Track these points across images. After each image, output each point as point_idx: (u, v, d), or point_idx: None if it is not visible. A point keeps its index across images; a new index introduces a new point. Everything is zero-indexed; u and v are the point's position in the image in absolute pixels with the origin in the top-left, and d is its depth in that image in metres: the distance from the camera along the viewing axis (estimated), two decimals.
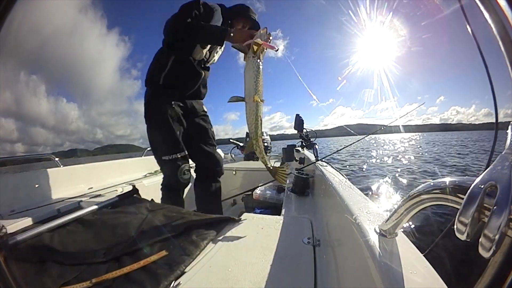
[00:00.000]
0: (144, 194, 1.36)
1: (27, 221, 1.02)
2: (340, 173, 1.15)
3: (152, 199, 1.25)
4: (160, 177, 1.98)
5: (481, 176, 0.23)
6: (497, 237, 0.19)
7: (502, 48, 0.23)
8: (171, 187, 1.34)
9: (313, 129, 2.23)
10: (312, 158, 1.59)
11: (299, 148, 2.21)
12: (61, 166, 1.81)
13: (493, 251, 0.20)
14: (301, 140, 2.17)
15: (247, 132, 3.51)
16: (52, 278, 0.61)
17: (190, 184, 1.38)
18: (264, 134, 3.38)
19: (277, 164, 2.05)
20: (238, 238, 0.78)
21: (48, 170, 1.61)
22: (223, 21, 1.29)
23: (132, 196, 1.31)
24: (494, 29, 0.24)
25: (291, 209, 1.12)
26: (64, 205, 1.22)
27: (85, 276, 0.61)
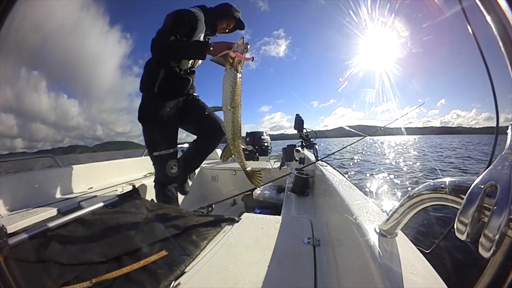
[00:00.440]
0: (144, 194, 1.36)
1: (27, 221, 1.02)
2: (340, 173, 1.15)
3: (152, 199, 1.25)
4: None
5: (481, 176, 0.23)
6: (497, 237, 0.19)
7: (503, 50, 0.23)
8: (162, 182, 1.41)
9: (313, 130, 2.23)
10: (312, 158, 1.59)
11: (299, 148, 2.21)
12: (61, 166, 1.81)
13: (493, 251, 0.20)
14: (301, 140, 2.17)
15: (247, 132, 3.52)
16: (52, 278, 0.61)
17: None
18: (264, 134, 3.38)
19: (277, 165, 2.04)
20: (238, 238, 0.78)
21: (48, 170, 1.61)
22: (207, 25, 1.37)
23: (132, 196, 1.32)
24: (495, 32, 0.24)
25: (291, 209, 1.12)
26: (64, 205, 1.22)
27: (85, 276, 0.62)
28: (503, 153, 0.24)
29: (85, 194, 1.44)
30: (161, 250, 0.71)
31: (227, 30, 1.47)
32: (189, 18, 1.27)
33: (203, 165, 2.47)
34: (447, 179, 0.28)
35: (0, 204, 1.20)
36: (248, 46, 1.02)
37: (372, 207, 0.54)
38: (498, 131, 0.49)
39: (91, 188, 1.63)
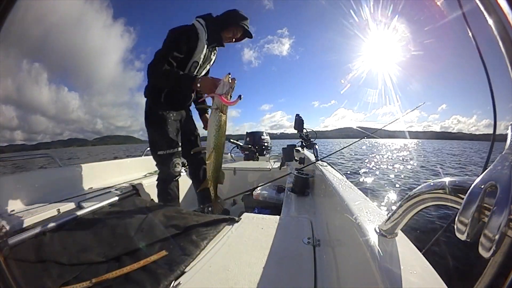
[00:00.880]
0: (144, 194, 1.36)
1: (27, 221, 1.02)
2: (340, 173, 1.15)
3: (152, 199, 1.25)
4: None
5: (481, 176, 0.23)
6: (497, 237, 0.19)
7: (502, 48, 0.23)
8: (165, 180, 1.43)
9: (314, 130, 2.23)
10: (312, 158, 1.59)
11: (299, 148, 2.21)
12: (61, 166, 1.80)
13: (493, 251, 0.20)
14: (301, 140, 2.17)
15: (247, 132, 3.52)
16: (52, 278, 0.61)
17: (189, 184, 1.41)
18: (264, 134, 3.38)
19: (277, 165, 2.03)
20: (238, 238, 0.78)
21: (48, 170, 1.61)
22: (212, 37, 1.35)
23: (132, 196, 1.32)
24: (497, 37, 0.23)
25: (291, 209, 1.12)
26: (64, 205, 1.22)
27: (85, 276, 0.62)
28: (503, 153, 0.24)
29: (85, 194, 1.44)
30: (161, 250, 0.71)
31: (234, 40, 1.44)
32: (188, 37, 1.27)
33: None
34: (447, 179, 0.28)
35: (0, 204, 1.19)
36: (235, 83, 1.03)
37: (372, 207, 0.54)
38: (495, 131, 0.49)
39: (91, 188, 1.63)
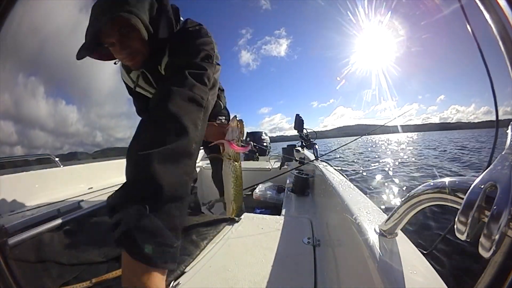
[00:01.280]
0: None
1: (27, 221, 1.02)
2: (340, 173, 1.15)
3: None
4: None
5: (481, 176, 0.23)
6: (497, 237, 0.19)
7: (502, 47, 0.23)
8: None
9: (313, 130, 2.24)
10: (312, 158, 1.59)
11: (299, 148, 2.21)
12: (61, 166, 1.81)
13: (493, 251, 0.20)
14: (301, 140, 2.17)
15: (247, 132, 3.52)
16: (52, 278, 0.61)
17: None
18: (264, 134, 3.39)
19: (277, 165, 2.04)
20: (238, 238, 0.78)
21: (48, 170, 1.61)
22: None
23: None
24: (494, 28, 0.24)
25: (291, 209, 1.12)
26: (64, 205, 1.22)
27: (85, 276, 0.61)
28: (503, 153, 0.24)
29: (85, 194, 1.44)
30: None
31: (138, 58, 0.75)
32: (126, 87, 1.04)
33: (203, 165, 2.47)
34: (447, 179, 0.28)
35: (0, 204, 1.20)
36: (243, 125, 0.93)
37: (372, 207, 0.54)
38: (497, 131, 0.49)
39: (91, 188, 1.63)
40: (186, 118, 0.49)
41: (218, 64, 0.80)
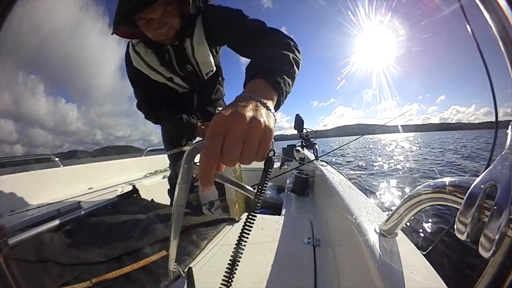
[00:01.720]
0: (144, 194, 1.36)
1: (27, 221, 1.02)
2: (340, 173, 1.15)
3: (152, 199, 1.25)
4: (160, 177, 1.98)
5: (481, 176, 0.23)
6: (497, 237, 0.19)
7: (502, 47, 0.23)
8: (174, 185, 1.32)
9: (313, 129, 2.24)
10: (312, 158, 1.60)
11: (299, 148, 2.21)
12: (61, 166, 1.81)
13: (493, 251, 0.20)
14: (301, 140, 2.17)
15: None
16: (52, 278, 0.61)
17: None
18: None
19: (277, 165, 2.04)
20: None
21: (48, 170, 1.61)
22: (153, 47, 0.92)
23: (132, 196, 1.32)
24: (494, 28, 0.24)
25: (291, 209, 1.12)
26: (64, 205, 1.22)
27: (85, 276, 0.62)
28: (503, 153, 0.24)
29: (85, 194, 1.44)
30: (161, 250, 0.71)
31: (170, 33, 0.81)
32: (128, 73, 1.03)
33: None
34: (447, 179, 0.28)
35: (0, 204, 1.20)
36: None
37: (372, 207, 0.54)
38: (497, 132, 0.49)
39: (91, 188, 1.63)
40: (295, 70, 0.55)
41: None
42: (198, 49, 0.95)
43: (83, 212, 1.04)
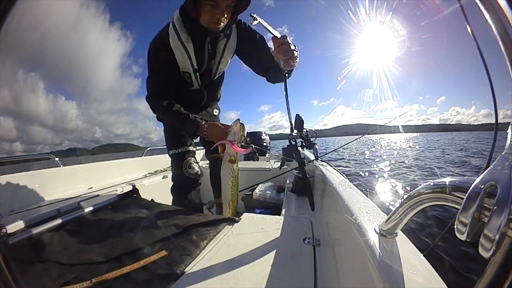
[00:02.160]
0: (144, 194, 1.36)
1: (27, 221, 1.02)
2: (340, 173, 1.15)
3: (152, 199, 1.25)
4: (160, 177, 1.98)
5: (481, 176, 0.23)
6: (497, 237, 0.19)
7: (502, 48, 0.23)
8: (180, 187, 1.31)
9: (313, 129, 2.24)
10: (312, 158, 1.59)
11: (299, 148, 2.21)
12: (61, 166, 1.81)
13: (493, 251, 0.20)
14: (301, 140, 2.17)
15: (247, 132, 3.51)
16: (52, 278, 0.61)
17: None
18: (264, 134, 3.38)
19: (277, 165, 2.04)
20: (238, 238, 0.78)
21: (48, 170, 1.61)
22: (191, 29, 1.01)
23: (132, 196, 1.32)
24: (494, 29, 0.24)
25: (291, 209, 1.12)
26: (64, 205, 1.22)
27: (85, 276, 0.61)
28: (503, 153, 0.24)
29: (85, 194, 1.44)
30: (161, 250, 0.71)
31: (225, 16, 0.93)
32: (162, 56, 1.06)
33: (203, 165, 2.47)
34: (447, 179, 0.28)
35: (0, 204, 1.20)
36: (245, 130, 0.97)
37: (372, 207, 0.54)
38: (497, 132, 0.49)
39: (91, 188, 1.63)
40: None
41: None
42: (228, 51, 1.14)
43: (83, 212, 1.04)
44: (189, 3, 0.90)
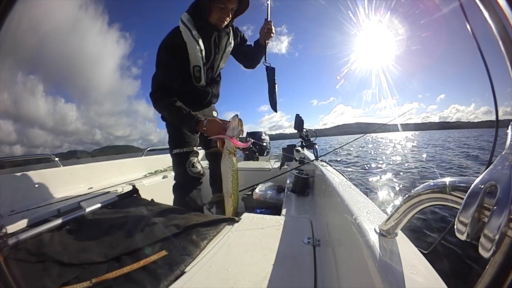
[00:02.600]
0: (144, 194, 1.36)
1: (27, 221, 1.02)
2: (340, 173, 1.15)
3: (152, 199, 1.25)
4: (160, 177, 1.98)
5: (481, 176, 0.23)
6: (497, 237, 0.19)
7: (502, 47, 0.23)
8: (182, 186, 1.33)
9: (313, 129, 2.24)
10: (312, 158, 1.60)
11: (299, 148, 2.21)
12: (61, 166, 1.81)
13: (493, 251, 0.20)
14: (301, 140, 2.17)
15: (247, 132, 3.51)
16: (52, 278, 0.61)
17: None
18: (264, 134, 3.39)
19: (277, 164, 2.04)
20: (238, 238, 0.78)
21: (48, 170, 1.61)
22: (200, 26, 1.16)
23: (132, 196, 1.32)
24: (493, 26, 0.23)
25: (291, 209, 1.12)
26: (64, 205, 1.22)
27: (85, 276, 0.62)
28: (503, 153, 0.24)
29: (85, 194, 1.44)
30: (161, 250, 0.71)
31: (229, 16, 1.15)
32: (175, 53, 1.14)
33: (203, 165, 2.47)
34: (447, 179, 0.28)
35: (0, 204, 1.20)
36: (243, 126, 1.01)
37: (372, 207, 0.54)
38: (497, 131, 0.49)
39: (91, 188, 1.63)
40: None
41: None
42: (228, 46, 1.32)
43: (83, 212, 1.04)
44: (204, 5, 1.11)
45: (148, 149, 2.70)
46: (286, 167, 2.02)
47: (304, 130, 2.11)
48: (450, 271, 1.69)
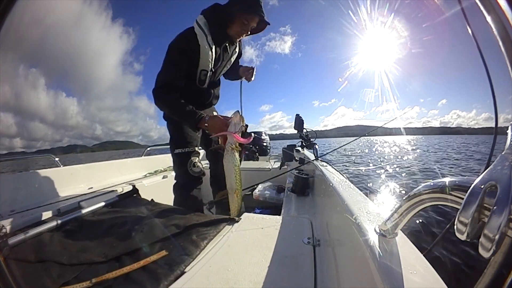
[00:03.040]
0: (144, 194, 1.36)
1: (27, 221, 1.02)
2: (340, 173, 1.15)
3: (152, 199, 1.25)
4: (160, 177, 1.98)
5: (481, 176, 0.23)
6: (497, 237, 0.19)
7: (503, 50, 0.23)
8: (183, 185, 1.34)
9: (314, 130, 2.24)
10: (312, 158, 1.59)
11: (299, 148, 2.21)
12: (61, 166, 1.81)
13: (493, 251, 0.20)
14: (301, 140, 2.17)
15: (247, 132, 3.51)
16: (52, 278, 0.61)
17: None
18: (264, 134, 3.39)
19: (277, 165, 2.04)
20: (238, 238, 0.78)
21: (48, 170, 1.61)
22: (216, 34, 1.19)
23: (132, 196, 1.32)
24: (495, 32, 0.24)
25: (291, 209, 1.12)
26: (64, 205, 1.22)
27: (85, 276, 0.62)
28: (503, 153, 0.24)
29: (85, 194, 1.44)
30: (161, 250, 0.71)
31: (248, 32, 1.23)
32: (188, 54, 1.15)
33: (204, 165, 2.47)
34: (447, 179, 0.28)
35: (0, 204, 1.20)
36: (244, 122, 1.02)
37: (372, 207, 0.54)
38: (497, 131, 0.49)
39: (91, 188, 1.63)
40: None
41: None
42: (234, 55, 1.40)
43: (83, 212, 1.04)
44: (228, 15, 1.16)
45: (148, 149, 2.70)
46: (286, 167, 2.02)
47: (304, 130, 2.11)
48: (450, 271, 1.69)
